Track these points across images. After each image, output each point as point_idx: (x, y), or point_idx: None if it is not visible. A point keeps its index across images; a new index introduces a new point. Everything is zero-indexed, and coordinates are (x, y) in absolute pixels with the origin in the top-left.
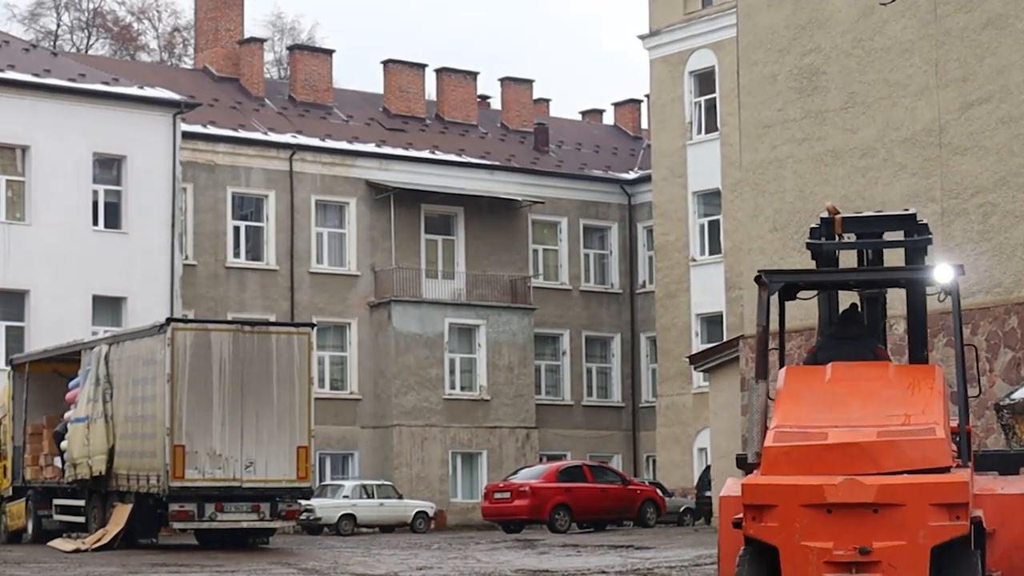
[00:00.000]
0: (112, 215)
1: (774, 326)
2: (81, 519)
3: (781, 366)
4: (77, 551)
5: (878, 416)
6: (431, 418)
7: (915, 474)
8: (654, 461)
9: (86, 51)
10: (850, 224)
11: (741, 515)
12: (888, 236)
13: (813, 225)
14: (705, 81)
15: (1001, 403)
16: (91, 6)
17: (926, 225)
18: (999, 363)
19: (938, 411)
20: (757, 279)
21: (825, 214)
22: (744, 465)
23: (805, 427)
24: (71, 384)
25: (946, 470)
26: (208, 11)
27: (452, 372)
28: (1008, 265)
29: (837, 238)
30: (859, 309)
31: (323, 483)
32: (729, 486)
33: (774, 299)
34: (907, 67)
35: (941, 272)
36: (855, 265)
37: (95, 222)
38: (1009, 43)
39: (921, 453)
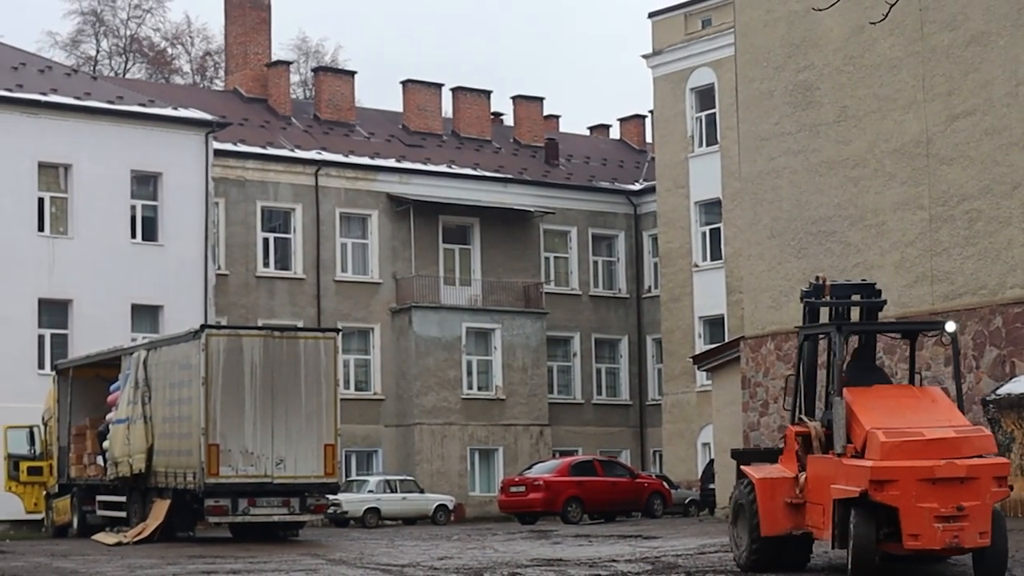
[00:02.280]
0: (149, 229)
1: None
2: (122, 514)
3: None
4: (119, 544)
5: (938, 420)
6: (450, 417)
7: (985, 459)
8: (660, 456)
9: (124, 75)
10: (836, 289)
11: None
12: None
13: (804, 288)
14: (705, 97)
15: (987, 398)
16: (128, 33)
17: (880, 291)
18: (985, 361)
19: (963, 417)
20: (825, 324)
21: (815, 281)
22: (738, 456)
23: (903, 427)
24: (112, 387)
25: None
26: (238, 36)
27: (469, 373)
28: (993, 268)
29: (830, 296)
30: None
31: (349, 479)
32: (768, 470)
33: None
34: (896, 82)
35: (949, 325)
36: (828, 319)
37: (133, 235)
38: (992, 59)
39: (983, 444)
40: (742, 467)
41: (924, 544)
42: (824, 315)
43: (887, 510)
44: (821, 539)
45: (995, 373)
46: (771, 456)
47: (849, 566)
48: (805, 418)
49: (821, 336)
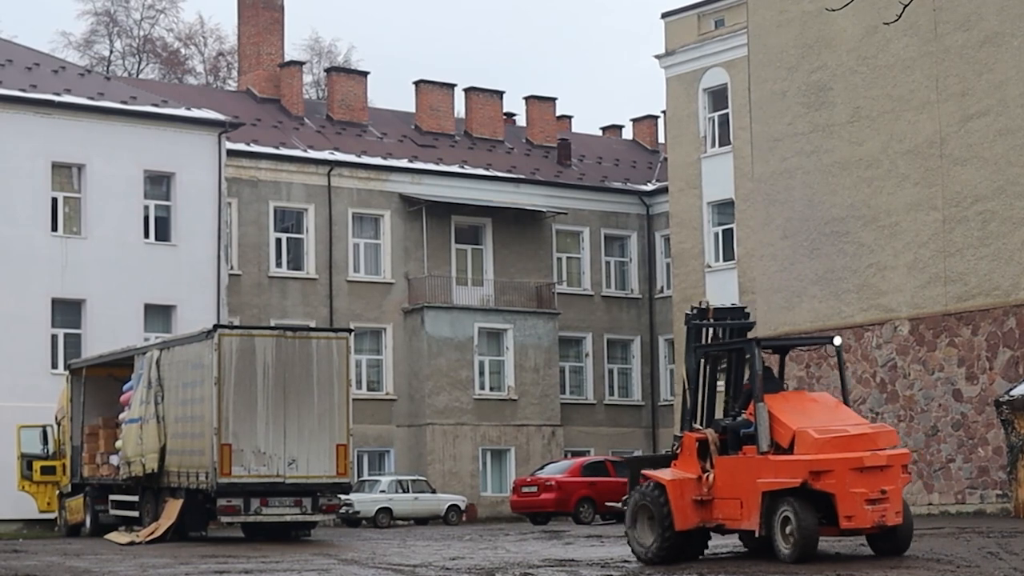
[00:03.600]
0: (162, 228)
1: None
2: (135, 513)
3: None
4: (132, 543)
5: (844, 420)
6: (462, 417)
7: (895, 450)
8: (898, 436)
9: (137, 75)
10: (716, 313)
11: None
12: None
13: (688, 311)
14: (718, 97)
15: (1001, 399)
16: (141, 33)
17: (749, 313)
18: (998, 362)
19: (859, 416)
20: (741, 340)
21: (698, 305)
22: (633, 463)
23: (825, 427)
24: (125, 387)
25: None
26: (250, 36)
27: (482, 373)
28: (1006, 269)
29: (712, 319)
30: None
31: (361, 479)
32: (674, 472)
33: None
34: (909, 83)
35: (836, 340)
36: (712, 340)
37: (146, 235)
38: (1006, 59)
39: (890, 438)
40: (644, 472)
41: (857, 524)
42: (702, 334)
43: (823, 497)
44: (736, 528)
45: (1008, 374)
46: (663, 462)
47: (788, 550)
48: (699, 426)
49: (720, 353)
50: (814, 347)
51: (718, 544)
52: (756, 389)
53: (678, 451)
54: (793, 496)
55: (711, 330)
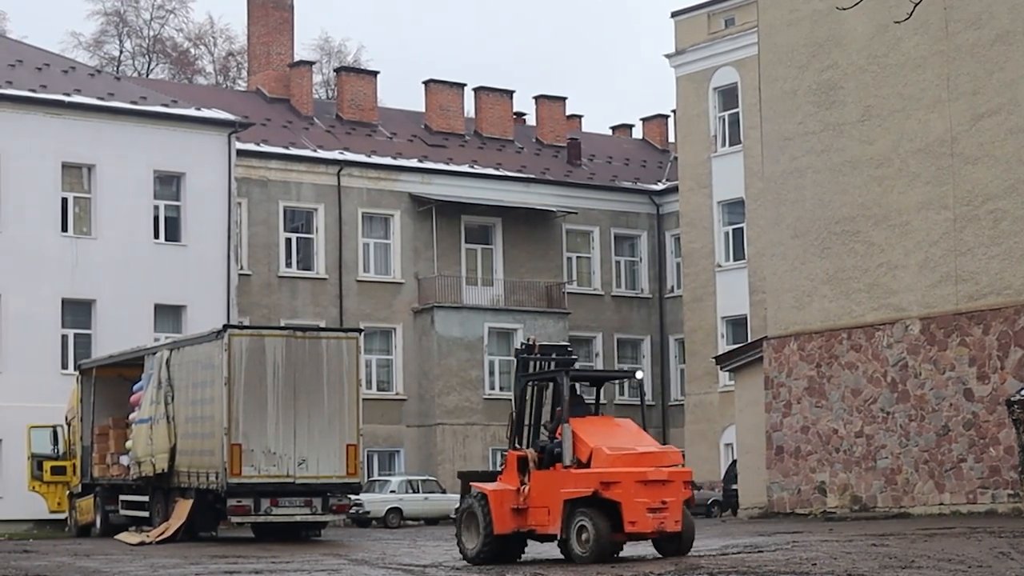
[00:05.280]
0: (172, 229)
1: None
2: (145, 514)
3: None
4: (142, 543)
5: (639, 441)
6: (472, 417)
7: (677, 467)
8: (683, 456)
9: (147, 75)
10: (542, 348)
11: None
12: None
13: (518, 347)
14: (728, 97)
15: (1012, 399)
16: (151, 33)
17: (572, 351)
18: (1010, 361)
19: (654, 439)
20: (553, 371)
21: (526, 342)
22: (464, 476)
23: (618, 446)
24: (135, 387)
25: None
26: (260, 36)
27: (491, 373)
28: (1018, 268)
29: (538, 354)
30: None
31: (371, 479)
32: (495, 485)
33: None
34: (920, 81)
35: (638, 374)
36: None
37: (156, 235)
38: (1017, 58)
39: (674, 458)
40: (472, 484)
41: (640, 529)
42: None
43: (612, 505)
44: (545, 533)
45: (1020, 373)
46: (490, 476)
47: (584, 552)
48: (519, 445)
49: (541, 382)
50: (619, 380)
51: (545, 551)
52: (563, 412)
53: (503, 467)
54: (588, 504)
55: (538, 363)
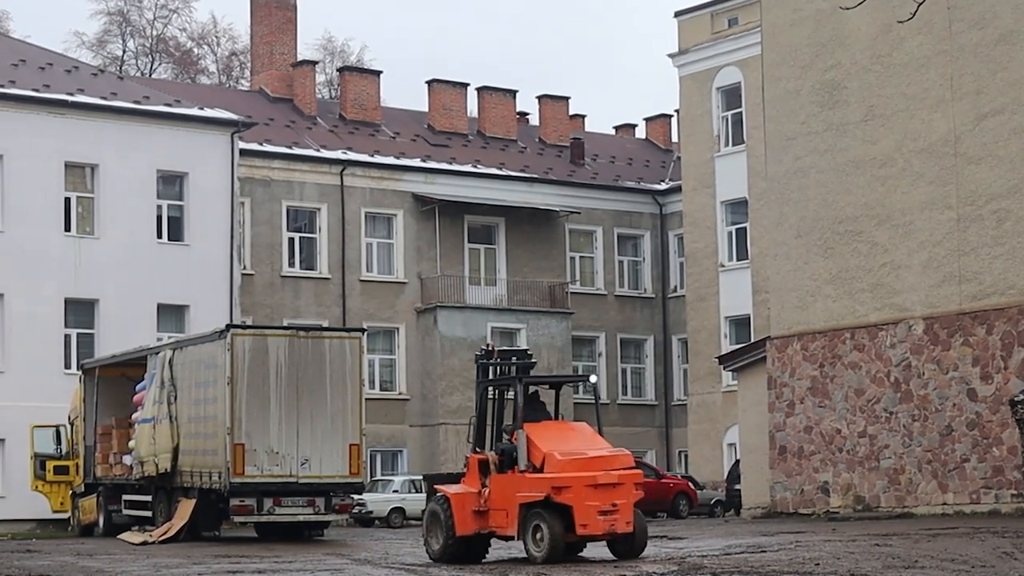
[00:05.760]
0: (175, 228)
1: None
2: (148, 513)
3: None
4: (145, 543)
5: (591, 445)
6: None
7: (628, 470)
8: (686, 456)
9: (150, 75)
10: (501, 353)
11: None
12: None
13: (477, 352)
14: (732, 96)
15: (1015, 399)
16: (154, 33)
17: (531, 355)
18: (1013, 361)
19: (607, 443)
20: (509, 377)
21: (486, 347)
22: (429, 479)
23: (570, 450)
24: (138, 387)
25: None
26: (263, 36)
27: None
28: (1021, 268)
29: (497, 359)
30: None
31: (374, 479)
32: (458, 487)
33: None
34: (924, 81)
35: (592, 378)
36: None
37: (159, 235)
38: (1021, 57)
39: (625, 460)
40: (436, 486)
41: (591, 531)
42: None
43: (564, 508)
44: (504, 534)
45: (1023, 374)
46: (455, 478)
47: (539, 552)
48: (480, 449)
49: (501, 387)
50: (576, 383)
51: (512, 550)
52: (517, 418)
53: (466, 470)
54: (541, 507)
55: (498, 368)
